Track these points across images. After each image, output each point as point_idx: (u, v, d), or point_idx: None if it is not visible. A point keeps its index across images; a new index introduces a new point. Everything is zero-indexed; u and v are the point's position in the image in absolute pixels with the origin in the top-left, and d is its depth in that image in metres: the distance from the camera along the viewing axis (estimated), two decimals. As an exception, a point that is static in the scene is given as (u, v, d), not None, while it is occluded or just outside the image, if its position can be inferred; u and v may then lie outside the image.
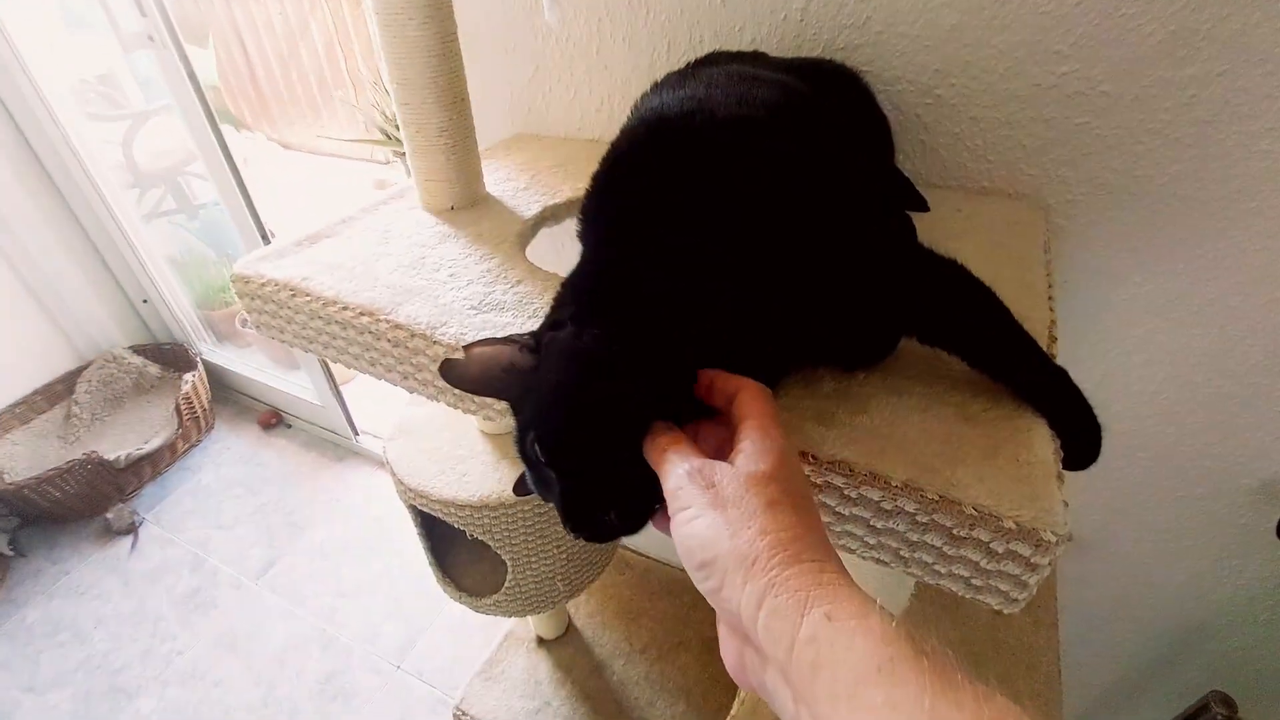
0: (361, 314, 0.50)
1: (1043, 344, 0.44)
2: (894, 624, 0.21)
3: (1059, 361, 0.40)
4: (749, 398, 0.31)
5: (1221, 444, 0.71)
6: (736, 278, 0.35)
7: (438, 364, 0.47)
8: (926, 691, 0.19)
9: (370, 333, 0.50)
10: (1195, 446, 0.73)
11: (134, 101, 1.95)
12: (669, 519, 0.30)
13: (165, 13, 1.18)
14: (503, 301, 0.50)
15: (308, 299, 0.52)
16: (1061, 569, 0.91)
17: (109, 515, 1.61)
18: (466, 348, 0.35)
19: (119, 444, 1.72)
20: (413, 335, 0.48)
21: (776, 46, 0.67)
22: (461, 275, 0.54)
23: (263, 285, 0.55)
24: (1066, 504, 0.34)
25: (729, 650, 0.27)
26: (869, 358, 0.42)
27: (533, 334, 0.36)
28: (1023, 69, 0.59)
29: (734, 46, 0.69)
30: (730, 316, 0.35)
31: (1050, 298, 0.50)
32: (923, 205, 0.62)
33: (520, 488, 0.37)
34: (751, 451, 0.28)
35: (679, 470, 0.28)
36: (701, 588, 0.26)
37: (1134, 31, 0.54)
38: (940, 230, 0.59)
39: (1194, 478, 0.75)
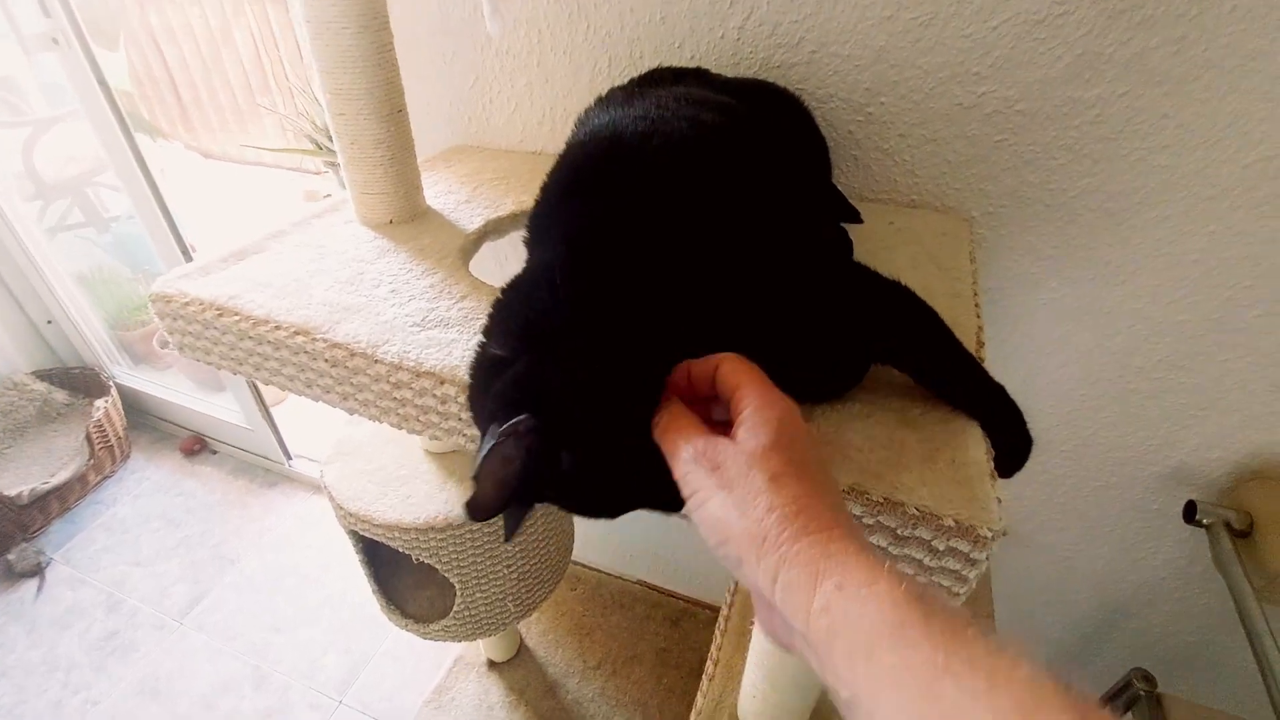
0: (296, 333, 0.48)
1: (972, 348, 0.46)
2: (903, 586, 0.22)
3: (987, 363, 0.42)
4: (730, 369, 0.30)
5: (1133, 436, 0.77)
6: (693, 292, 0.35)
7: (380, 383, 0.46)
8: (939, 650, 0.20)
9: (306, 352, 0.48)
10: (1110, 439, 0.78)
11: (36, 107, 1.82)
12: None
13: (71, 13, 1.11)
14: (447, 318, 0.49)
15: (236, 318, 0.50)
16: (995, 560, 0.95)
17: (10, 556, 1.47)
18: (474, 479, 0.31)
19: (22, 478, 1.58)
20: (352, 354, 0.46)
21: (715, 63, 0.68)
22: (403, 291, 0.52)
23: (186, 304, 0.51)
24: (1000, 501, 0.35)
25: (763, 617, 0.28)
26: (834, 388, 0.42)
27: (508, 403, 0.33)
28: (946, 89, 0.62)
29: (673, 63, 0.70)
30: (688, 330, 0.35)
31: (977, 304, 0.52)
32: (856, 217, 0.64)
33: (507, 523, 0.36)
34: (750, 424, 0.27)
35: (684, 454, 0.28)
36: (724, 564, 0.27)
37: (1045, 55, 0.58)
38: (875, 242, 0.62)
39: (1109, 468, 0.80)
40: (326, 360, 0.47)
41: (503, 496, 0.31)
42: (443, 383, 0.44)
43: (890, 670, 0.20)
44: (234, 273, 0.55)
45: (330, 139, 2.36)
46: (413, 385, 0.45)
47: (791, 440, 0.27)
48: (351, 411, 0.50)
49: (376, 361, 0.45)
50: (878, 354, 0.40)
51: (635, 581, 1.34)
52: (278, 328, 0.48)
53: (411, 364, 0.44)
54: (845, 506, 0.27)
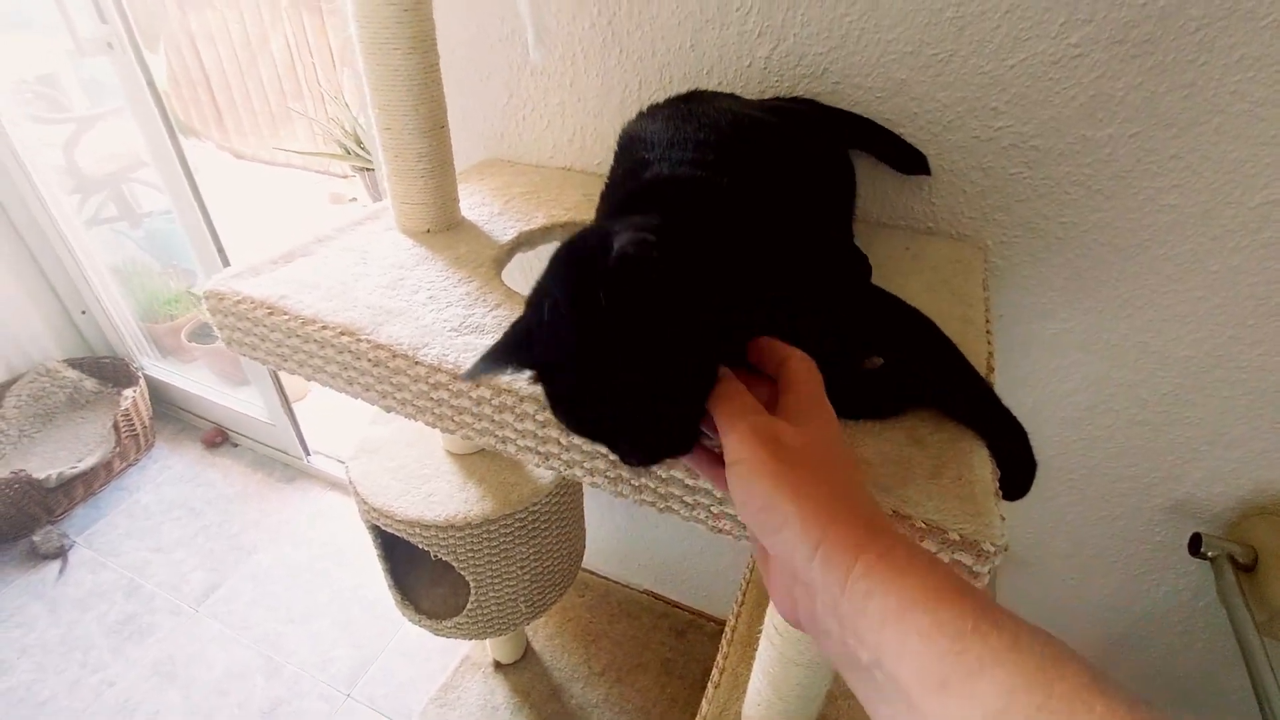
0: (342, 334, 0.51)
1: (983, 373, 0.48)
2: (943, 567, 0.24)
3: (997, 389, 0.44)
4: (798, 364, 0.32)
5: (1138, 467, 0.78)
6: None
7: (419, 383, 0.49)
8: (969, 616, 0.21)
9: (350, 352, 0.51)
10: (1115, 469, 0.79)
11: (77, 105, 1.89)
12: (715, 465, 0.33)
13: (127, 19, 1.16)
14: (483, 324, 0.52)
15: (286, 317, 0.53)
16: (1000, 586, 0.96)
17: (36, 538, 1.52)
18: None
19: (50, 462, 1.63)
20: (394, 355, 0.49)
21: (741, 90, 0.71)
22: (441, 298, 0.55)
23: (238, 302, 0.55)
24: (1003, 518, 0.37)
25: (778, 586, 0.29)
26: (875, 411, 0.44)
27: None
28: (964, 122, 0.65)
29: (703, 87, 0.73)
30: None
31: (989, 331, 0.54)
32: (924, 166, 0.67)
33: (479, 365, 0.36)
34: (805, 412, 0.30)
35: (742, 425, 0.30)
36: (756, 530, 0.29)
37: (1059, 94, 0.60)
38: (892, 267, 0.64)
39: (1115, 499, 0.82)
40: (370, 360, 0.50)
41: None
42: (479, 386, 0.47)
43: (920, 630, 0.22)
44: (283, 274, 0.58)
45: (359, 145, 2.42)
46: (450, 387, 0.48)
47: (838, 439, 0.30)
48: (389, 409, 0.53)
49: (417, 363, 0.48)
50: (897, 375, 0.43)
51: (642, 591, 1.35)
52: (325, 327, 0.51)
53: (450, 367, 0.47)
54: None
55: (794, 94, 0.69)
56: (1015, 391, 0.78)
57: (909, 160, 0.68)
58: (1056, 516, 0.86)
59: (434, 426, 0.51)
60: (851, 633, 0.24)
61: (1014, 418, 0.43)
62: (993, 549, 0.36)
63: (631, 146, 0.50)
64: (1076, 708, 0.18)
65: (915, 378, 0.43)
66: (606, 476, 0.46)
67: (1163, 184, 0.61)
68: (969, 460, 0.40)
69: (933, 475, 0.39)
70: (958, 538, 0.36)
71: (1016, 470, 0.43)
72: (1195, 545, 0.77)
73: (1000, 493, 0.41)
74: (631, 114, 0.58)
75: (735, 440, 0.29)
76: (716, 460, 0.34)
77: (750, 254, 0.39)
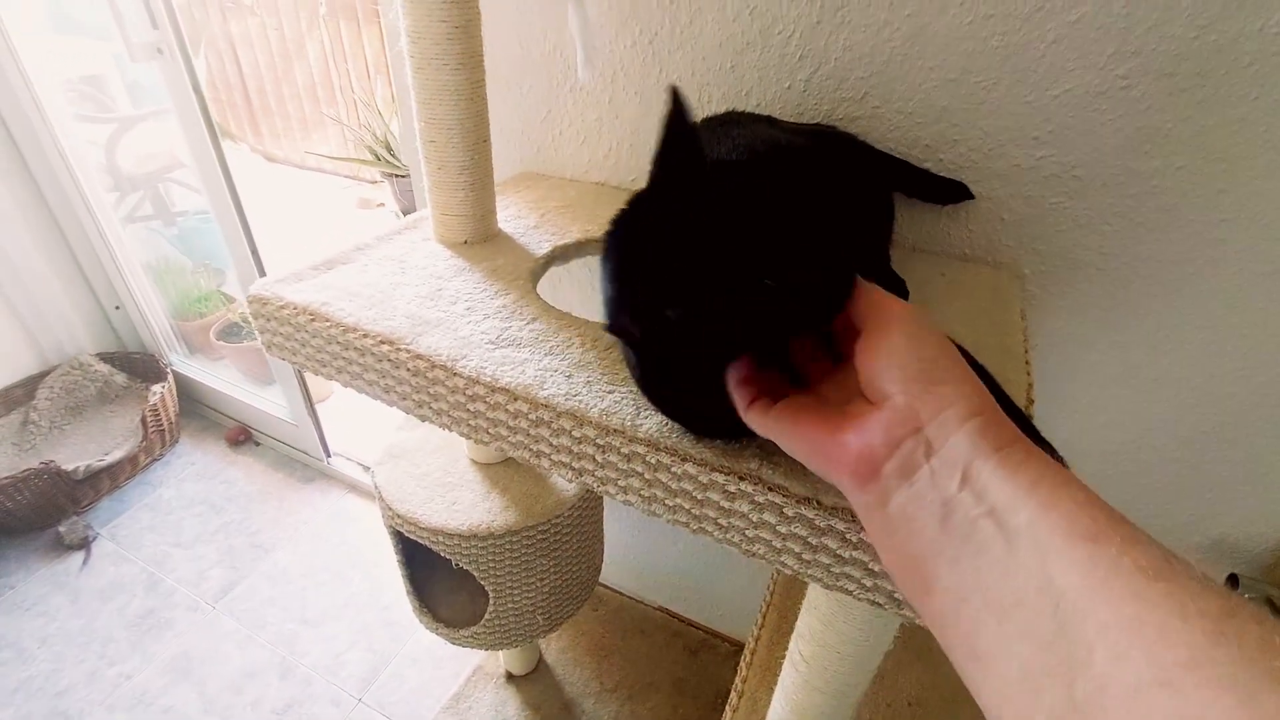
0: (382, 342, 0.51)
1: (1022, 404, 0.47)
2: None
3: (1034, 420, 0.44)
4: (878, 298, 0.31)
5: (1175, 504, 0.76)
6: None
7: (456, 395, 0.49)
8: (1117, 512, 0.23)
9: (389, 360, 0.51)
10: (1152, 505, 0.78)
11: (121, 105, 1.94)
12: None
13: (178, 27, 1.20)
14: (519, 338, 0.52)
15: (327, 324, 0.54)
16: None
17: (61, 528, 1.54)
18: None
19: (78, 454, 1.66)
20: (433, 366, 0.49)
21: (780, 112, 0.71)
22: (478, 309, 0.56)
23: (280, 308, 0.56)
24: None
25: (880, 434, 0.27)
26: None
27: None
28: (1005, 151, 0.64)
29: (740, 108, 0.73)
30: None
31: (1028, 361, 0.54)
32: (966, 193, 0.67)
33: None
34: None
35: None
36: (912, 373, 0.27)
37: (1105, 125, 0.60)
38: (927, 292, 0.64)
39: (1151, 534, 0.80)
40: (409, 370, 0.50)
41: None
42: (515, 399, 0.47)
43: (1076, 499, 0.23)
44: (324, 281, 0.59)
45: (389, 151, 2.46)
46: (487, 399, 0.48)
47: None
48: (424, 419, 0.53)
49: (455, 374, 0.49)
50: None
51: (657, 608, 1.34)
52: (365, 335, 0.52)
53: (488, 379, 0.48)
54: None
55: (833, 117, 0.70)
56: (1050, 422, 0.77)
57: (947, 192, 0.67)
58: (1086, 551, 0.85)
59: (469, 438, 0.52)
60: (975, 488, 0.24)
61: (1054, 449, 0.43)
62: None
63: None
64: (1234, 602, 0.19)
65: None
66: (641, 495, 0.46)
67: (1210, 218, 0.60)
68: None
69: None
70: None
71: None
72: (1233, 586, 0.75)
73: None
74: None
75: (894, 301, 0.30)
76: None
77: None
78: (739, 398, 0.35)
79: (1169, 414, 0.71)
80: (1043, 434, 0.42)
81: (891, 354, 0.28)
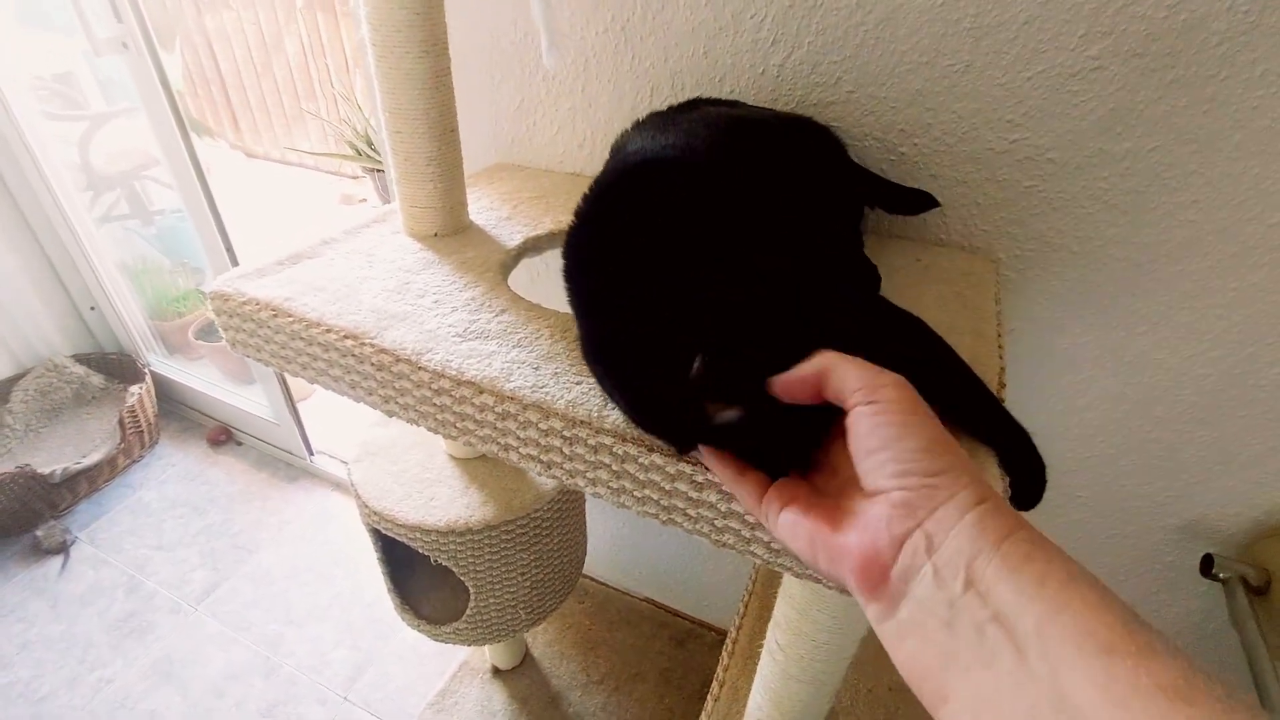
0: (346, 337, 0.50)
1: (993, 388, 0.47)
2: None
3: (1008, 404, 0.43)
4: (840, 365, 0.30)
5: (1150, 485, 0.77)
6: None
7: (421, 389, 0.48)
8: (1130, 610, 0.22)
9: (354, 356, 0.50)
10: (1127, 487, 0.78)
11: (93, 103, 1.90)
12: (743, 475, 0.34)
13: (142, 20, 1.17)
14: (487, 330, 0.52)
15: (290, 320, 0.52)
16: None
17: (39, 533, 1.52)
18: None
19: (55, 457, 1.64)
20: (398, 360, 0.48)
21: (754, 98, 0.71)
22: (445, 302, 0.55)
23: (243, 304, 0.54)
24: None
25: (880, 530, 0.26)
26: None
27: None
28: (979, 134, 0.64)
29: (713, 95, 0.72)
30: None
31: (1001, 345, 0.53)
32: (932, 202, 0.66)
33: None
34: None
35: (885, 372, 0.29)
36: (907, 466, 0.26)
37: (1078, 107, 0.59)
38: (902, 278, 0.63)
39: (1125, 517, 0.80)
40: (373, 364, 0.49)
41: None
42: (481, 392, 0.46)
43: (1087, 600, 0.22)
44: (288, 275, 0.58)
45: (370, 146, 2.43)
46: (453, 393, 0.47)
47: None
48: (391, 414, 0.52)
49: (420, 369, 0.48)
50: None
51: (642, 599, 1.34)
52: (329, 331, 0.51)
53: (453, 373, 0.47)
54: None
55: (807, 103, 0.69)
56: (1026, 406, 0.77)
57: (914, 202, 0.67)
58: (1063, 534, 0.85)
59: (436, 432, 0.51)
60: (979, 588, 0.23)
61: (1016, 422, 0.43)
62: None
63: (618, 150, 0.50)
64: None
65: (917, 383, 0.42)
66: (609, 487, 0.45)
67: (1182, 199, 0.60)
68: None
69: (944, 494, 0.38)
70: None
71: (1026, 477, 0.42)
72: (1207, 566, 0.76)
73: (1012, 504, 0.40)
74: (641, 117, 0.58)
75: (884, 378, 0.28)
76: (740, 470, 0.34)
77: (736, 244, 0.38)
78: (745, 495, 0.34)
79: (1144, 396, 0.71)
80: (1006, 408, 0.42)
81: (885, 445, 0.27)
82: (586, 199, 0.45)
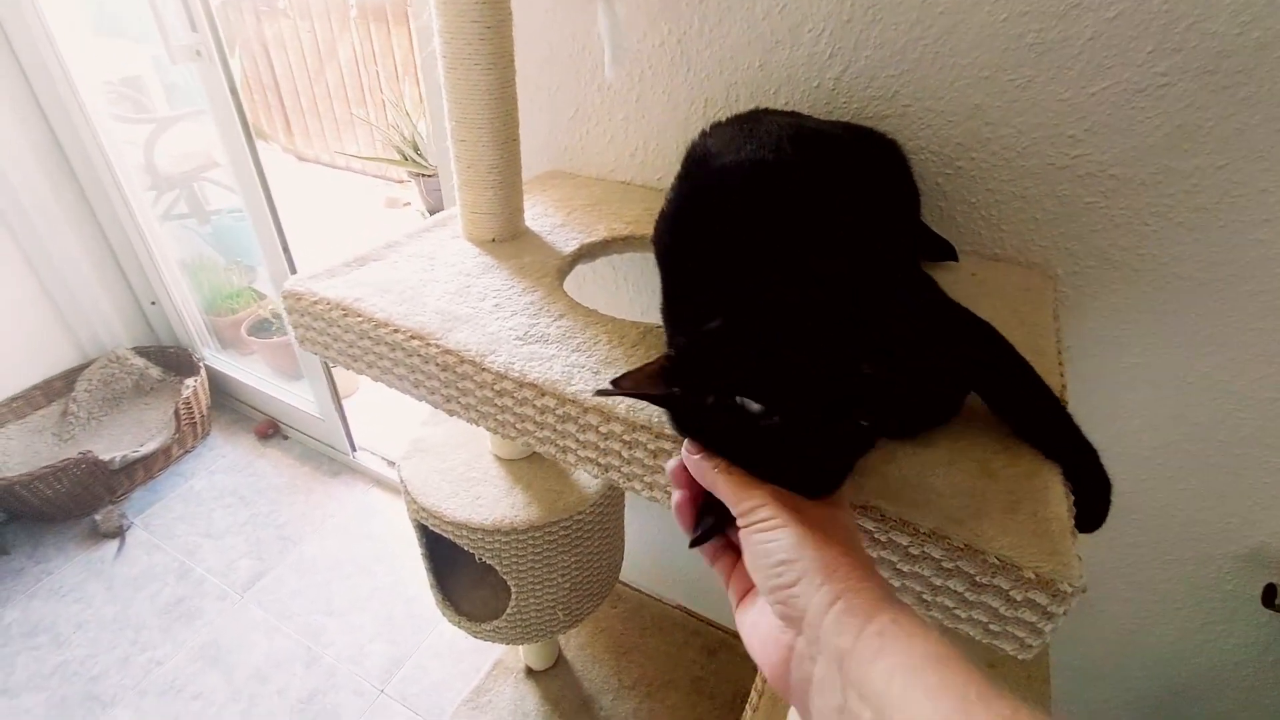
0: (413, 337, 0.52)
1: (1055, 406, 0.47)
2: (947, 640, 0.25)
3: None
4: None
5: (1211, 511, 0.74)
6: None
7: (484, 389, 0.50)
8: (972, 683, 0.23)
9: (419, 356, 0.52)
10: (1186, 512, 0.76)
11: (159, 106, 1.99)
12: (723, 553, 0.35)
13: (216, 30, 1.23)
14: (547, 334, 0.53)
15: (359, 319, 0.55)
16: (1053, 626, 0.93)
17: (97, 517, 1.59)
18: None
19: (114, 445, 1.71)
20: (462, 361, 0.50)
21: (809, 111, 0.71)
22: (506, 306, 0.57)
23: (314, 303, 0.57)
24: (1080, 559, 0.36)
25: (776, 644, 0.30)
26: (928, 417, 0.44)
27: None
28: (1039, 149, 0.63)
29: (769, 106, 0.73)
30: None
31: (1061, 362, 0.53)
32: (951, 254, 0.67)
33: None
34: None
35: (762, 488, 0.32)
36: (771, 583, 0.30)
37: (1143, 123, 0.59)
38: (957, 292, 0.62)
39: (1183, 543, 0.78)
40: (438, 364, 0.51)
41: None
42: (543, 394, 0.47)
43: (928, 687, 0.23)
44: (356, 277, 0.60)
45: (416, 151, 2.49)
46: (515, 394, 0.49)
47: (849, 519, 0.34)
48: (452, 413, 0.54)
49: (484, 369, 0.49)
50: (965, 381, 0.42)
51: (675, 606, 1.34)
52: (396, 331, 0.53)
53: (516, 375, 0.48)
54: None
55: (863, 116, 0.69)
56: (1085, 426, 0.75)
57: (938, 250, 0.67)
58: (1119, 557, 0.83)
59: (496, 432, 0.52)
60: (854, 686, 0.25)
61: (1086, 438, 0.42)
62: (1070, 589, 0.34)
63: (694, 161, 0.51)
64: None
65: (986, 389, 0.43)
66: (666, 491, 0.46)
67: (1252, 218, 0.59)
68: (1045, 496, 0.39)
69: (1008, 510, 0.38)
70: (1033, 576, 0.35)
71: (1092, 496, 0.42)
72: (1270, 596, 0.73)
73: (1075, 526, 0.39)
74: (695, 131, 0.59)
75: (758, 498, 0.31)
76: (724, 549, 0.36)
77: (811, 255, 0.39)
78: (684, 521, 0.37)
79: (1207, 418, 0.69)
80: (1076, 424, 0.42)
81: (751, 564, 0.31)
82: (684, 179, 0.49)
